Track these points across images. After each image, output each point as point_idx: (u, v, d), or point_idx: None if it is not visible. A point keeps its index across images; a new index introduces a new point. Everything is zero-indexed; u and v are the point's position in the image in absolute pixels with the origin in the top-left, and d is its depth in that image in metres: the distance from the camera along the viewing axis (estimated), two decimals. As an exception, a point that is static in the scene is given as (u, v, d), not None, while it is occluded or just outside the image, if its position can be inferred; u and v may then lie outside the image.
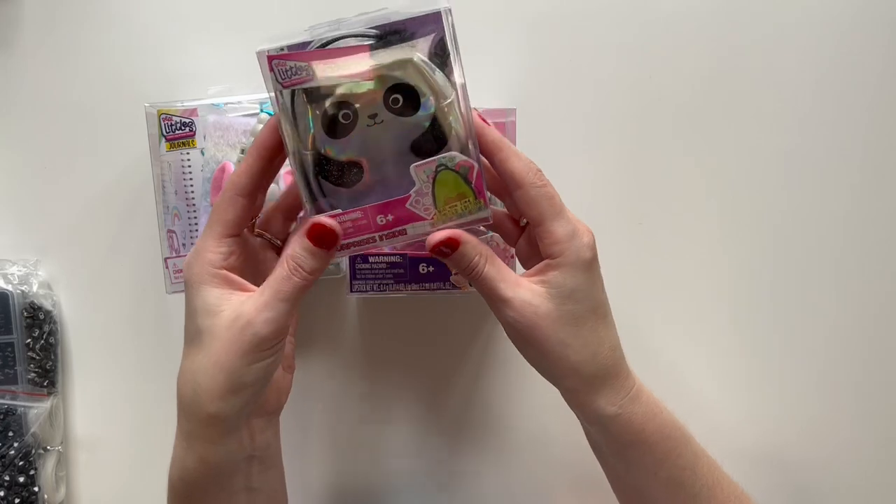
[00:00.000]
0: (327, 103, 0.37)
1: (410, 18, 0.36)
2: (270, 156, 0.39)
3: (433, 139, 0.38)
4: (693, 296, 0.56)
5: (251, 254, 0.42)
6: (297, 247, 0.38)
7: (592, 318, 0.41)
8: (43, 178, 0.56)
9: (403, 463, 0.58)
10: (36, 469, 0.54)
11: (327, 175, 0.38)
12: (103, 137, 0.55)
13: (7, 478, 0.54)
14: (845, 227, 0.56)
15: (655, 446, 0.42)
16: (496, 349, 0.57)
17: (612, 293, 0.42)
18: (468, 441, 0.58)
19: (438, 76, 0.37)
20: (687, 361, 0.56)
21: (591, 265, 0.40)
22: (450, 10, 0.36)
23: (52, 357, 0.56)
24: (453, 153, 0.38)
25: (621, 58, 0.55)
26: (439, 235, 0.39)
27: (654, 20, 0.54)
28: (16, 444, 0.54)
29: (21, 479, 0.54)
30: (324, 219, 0.38)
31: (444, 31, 0.37)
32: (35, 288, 0.55)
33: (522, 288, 0.40)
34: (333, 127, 0.38)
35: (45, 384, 0.55)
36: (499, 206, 0.46)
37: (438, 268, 0.50)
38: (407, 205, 0.38)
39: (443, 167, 0.38)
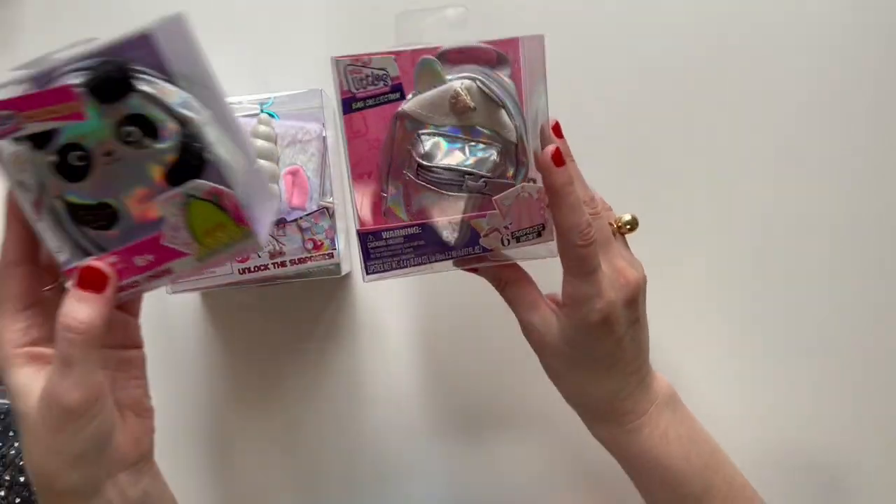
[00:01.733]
0: (53, 149, 0.35)
1: (116, 45, 0.34)
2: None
3: (189, 167, 0.35)
4: (692, 296, 0.56)
5: None
6: (66, 302, 0.35)
7: (592, 367, 0.43)
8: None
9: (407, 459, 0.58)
10: (36, 469, 0.54)
11: (85, 220, 0.36)
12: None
13: (7, 477, 0.54)
14: (848, 225, 0.56)
15: (650, 473, 0.45)
16: (496, 345, 0.57)
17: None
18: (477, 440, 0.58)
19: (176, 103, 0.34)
20: (688, 362, 0.57)
21: (598, 327, 0.42)
22: (154, 35, 0.33)
23: (53, 357, 0.56)
24: (198, 182, 0.35)
25: (620, 57, 0.55)
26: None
27: (651, 21, 0.55)
28: (16, 444, 0.54)
29: (21, 479, 0.54)
30: (88, 262, 0.36)
31: (157, 55, 0.34)
32: (35, 288, 0.55)
33: (537, 312, 0.44)
34: (70, 171, 0.35)
35: (45, 384, 0.55)
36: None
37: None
38: (163, 242, 0.36)
39: (191, 198, 0.35)
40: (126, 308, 0.42)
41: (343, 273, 0.53)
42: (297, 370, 0.58)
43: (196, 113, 0.35)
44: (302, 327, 0.57)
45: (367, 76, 0.41)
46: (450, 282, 0.54)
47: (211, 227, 0.36)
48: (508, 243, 0.42)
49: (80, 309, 0.35)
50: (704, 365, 0.57)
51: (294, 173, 0.50)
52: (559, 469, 0.57)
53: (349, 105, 0.41)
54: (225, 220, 0.35)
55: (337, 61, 0.40)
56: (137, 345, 0.43)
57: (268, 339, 0.58)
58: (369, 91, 0.41)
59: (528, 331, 0.44)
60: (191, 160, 0.35)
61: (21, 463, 0.54)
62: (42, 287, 0.38)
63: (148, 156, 0.35)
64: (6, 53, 0.55)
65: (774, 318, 0.56)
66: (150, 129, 0.34)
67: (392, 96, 0.41)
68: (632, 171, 0.56)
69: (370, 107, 0.41)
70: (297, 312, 0.57)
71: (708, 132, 0.55)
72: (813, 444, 0.57)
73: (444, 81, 0.41)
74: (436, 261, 0.43)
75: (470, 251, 0.43)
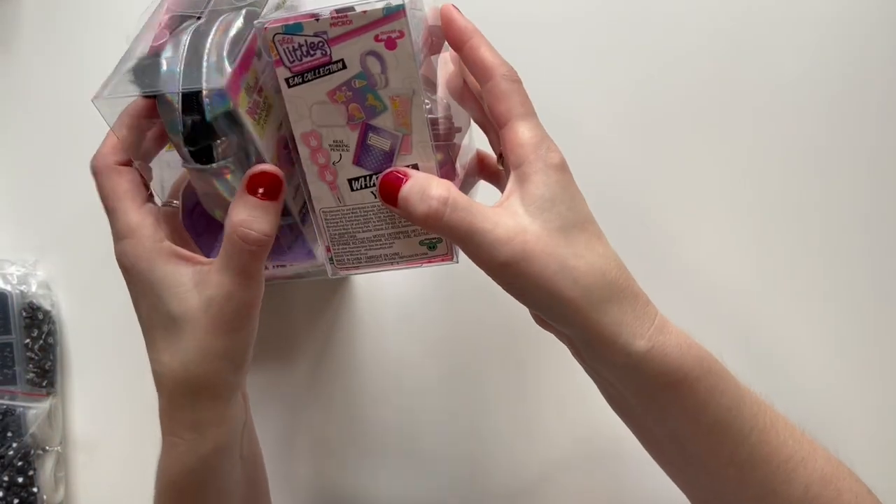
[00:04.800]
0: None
1: None
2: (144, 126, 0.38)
3: None
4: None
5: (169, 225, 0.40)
6: (239, 209, 0.36)
7: (585, 234, 0.35)
8: (42, 178, 0.56)
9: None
10: (35, 469, 0.54)
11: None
12: (103, 137, 0.55)
13: (6, 478, 0.54)
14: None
15: (696, 384, 0.35)
16: (498, 342, 0.57)
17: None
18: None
19: None
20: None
21: (562, 171, 0.35)
22: None
23: (51, 357, 0.56)
24: None
25: (621, 57, 0.55)
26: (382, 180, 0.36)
27: (654, 18, 0.54)
28: (14, 445, 0.54)
29: (20, 480, 0.54)
30: (264, 167, 0.36)
31: None
32: (34, 288, 0.55)
33: (501, 215, 0.35)
34: None
35: (44, 384, 0.55)
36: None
37: None
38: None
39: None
40: None
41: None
42: (296, 371, 0.58)
43: None
44: (300, 328, 0.57)
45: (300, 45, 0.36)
46: (450, 282, 0.54)
47: None
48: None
49: (259, 219, 0.35)
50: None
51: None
52: (567, 465, 0.57)
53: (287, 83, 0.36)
54: None
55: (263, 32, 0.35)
56: None
57: (267, 340, 0.57)
58: (305, 63, 0.36)
59: (505, 240, 0.34)
60: None
61: (20, 464, 0.54)
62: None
63: None
64: (6, 53, 0.55)
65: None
66: None
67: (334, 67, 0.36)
68: (638, 167, 0.55)
69: (309, 81, 0.36)
70: (295, 313, 0.57)
71: (720, 126, 0.55)
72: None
73: None
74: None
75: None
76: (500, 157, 0.40)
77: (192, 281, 0.36)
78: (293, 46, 0.35)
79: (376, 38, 0.35)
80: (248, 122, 0.36)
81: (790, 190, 0.54)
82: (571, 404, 0.56)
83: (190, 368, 0.37)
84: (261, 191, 0.36)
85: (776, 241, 0.54)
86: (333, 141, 0.37)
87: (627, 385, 0.36)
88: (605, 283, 0.35)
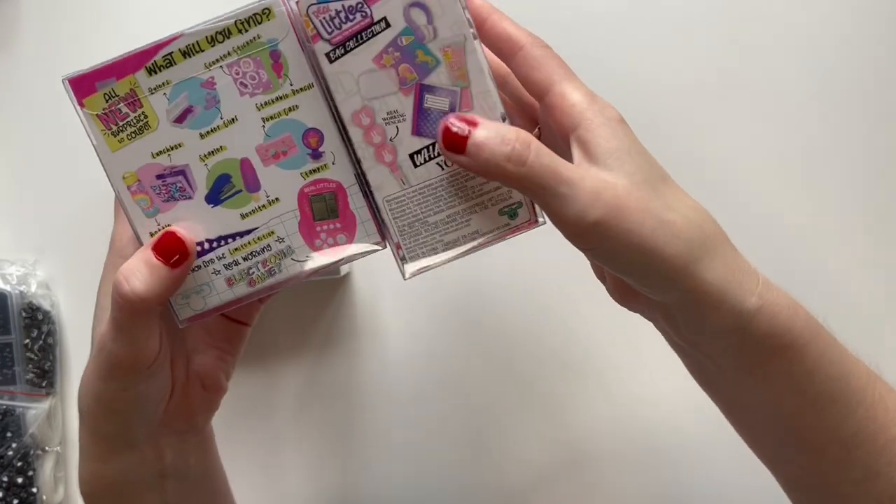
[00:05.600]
0: None
1: None
2: None
3: None
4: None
5: None
6: (132, 258, 0.33)
7: (670, 186, 0.32)
8: (41, 178, 0.56)
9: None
10: (34, 470, 0.54)
11: None
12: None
13: (5, 479, 0.53)
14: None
15: (805, 350, 0.31)
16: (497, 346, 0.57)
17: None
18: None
19: None
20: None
21: (625, 124, 0.32)
22: None
23: (51, 357, 0.56)
24: None
25: (621, 57, 0.55)
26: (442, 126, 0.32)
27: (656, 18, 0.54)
28: (14, 445, 0.54)
29: (19, 480, 0.54)
30: (173, 227, 0.34)
31: None
32: (34, 288, 0.55)
33: (587, 169, 0.30)
34: None
35: (43, 384, 0.55)
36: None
37: None
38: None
39: None
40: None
41: (342, 274, 0.53)
42: (295, 371, 0.57)
43: None
44: (299, 329, 0.57)
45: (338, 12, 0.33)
46: (450, 283, 0.54)
47: None
48: None
49: (138, 277, 0.32)
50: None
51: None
52: (567, 469, 0.57)
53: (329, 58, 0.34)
54: None
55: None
56: (243, 321, 0.41)
57: (265, 341, 0.57)
58: (345, 31, 0.33)
59: (594, 193, 0.29)
60: None
61: (19, 464, 0.54)
62: None
63: None
64: (6, 53, 0.55)
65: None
66: None
67: (377, 28, 0.33)
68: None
69: (351, 50, 0.33)
70: (294, 314, 0.57)
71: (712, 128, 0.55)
72: None
73: None
74: None
75: None
76: (541, 133, 0.36)
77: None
78: (330, 15, 0.33)
79: None
80: (95, 126, 0.35)
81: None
82: (571, 405, 0.55)
83: (80, 397, 0.36)
84: (164, 254, 0.33)
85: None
86: (388, 113, 0.34)
87: (730, 354, 0.32)
88: (705, 237, 0.31)
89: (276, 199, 0.35)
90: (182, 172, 0.35)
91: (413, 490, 0.58)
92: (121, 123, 0.35)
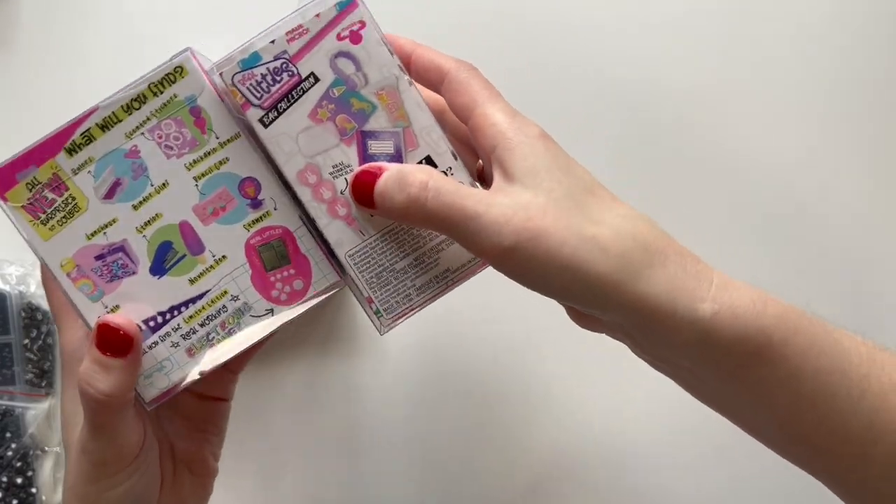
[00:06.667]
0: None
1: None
2: None
3: None
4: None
5: None
6: (85, 363, 0.32)
7: (596, 197, 0.30)
8: (41, 178, 0.56)
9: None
10: (34, 470, 0.54)
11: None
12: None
13: (5, 479, 0.53)
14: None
15: (784, 349, 0.28)
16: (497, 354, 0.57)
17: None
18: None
19: None
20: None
21: (546, 140, 0.31)
22: None
23: (50, 357, 0.55)
24: None
25: (617, 62, 0.55)
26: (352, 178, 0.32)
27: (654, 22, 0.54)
28: (13, 445, 0.54)
29: (19, 481, 0.54)
30: (108, 318, 0.32)
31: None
32: (33, 288, 0.55)
33: (495, 195, 0.30)
34: None
35: (42, 385, 0.55)
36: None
37: None
38: None
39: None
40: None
41: (344, 285, 0.52)
42: (295, 371, 0.57)
43: None
44: (298, 331, 0.57)
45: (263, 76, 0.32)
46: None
47: None
48: None
49: (98, 378, 0.31)
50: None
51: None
52: (570, 473, 0.57)
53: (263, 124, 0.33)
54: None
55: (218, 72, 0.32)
56: (220, 396, 0.40)
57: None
58: (275, 93, 0.33)
59: (505, 221, 0.28)
60: None
61: (19, 464, 0.54)
62: None
63: None
64: (6, 53, 0.55)
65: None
66: None
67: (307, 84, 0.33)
68: (625, 175, 0.55)
69: (284, 111, 0.33)
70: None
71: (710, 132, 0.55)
72: None
73: None
74: None
75: None
76: (481, 175, 0.35)
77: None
78: (256, 80, 0.32)
79: (339, 37, 0.32)
80: (21, 218, 0.33)
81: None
82: (572, 406, 0.55)
83: (64, 498, 0.35)
84: (108, 347, 0.32)
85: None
86: (333, 166, 0.34)
87: (702, 364, 0.30)
88: (640, 247, 0.29)
89: (223, 256, 0.34)
90: (121, 248, 0.34)
91: (413, 490, 0.58)
92: (49, 211, 0.33)
